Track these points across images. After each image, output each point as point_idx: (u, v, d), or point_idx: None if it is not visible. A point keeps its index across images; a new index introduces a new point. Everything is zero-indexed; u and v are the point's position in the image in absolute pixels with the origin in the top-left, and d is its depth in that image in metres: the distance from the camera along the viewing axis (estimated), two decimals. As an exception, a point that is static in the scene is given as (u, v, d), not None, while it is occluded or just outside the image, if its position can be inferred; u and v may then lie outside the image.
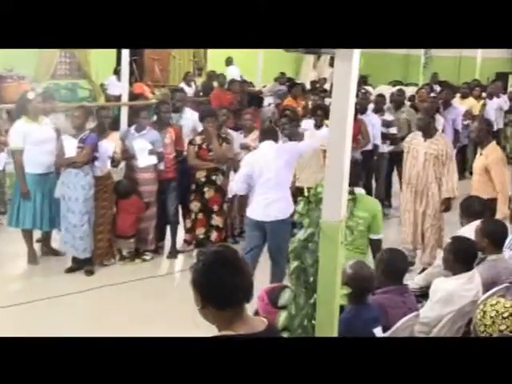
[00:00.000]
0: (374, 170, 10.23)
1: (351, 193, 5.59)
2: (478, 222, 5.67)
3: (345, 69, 3.12)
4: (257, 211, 6.38)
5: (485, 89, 14.44)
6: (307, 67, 21.16)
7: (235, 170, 8.45)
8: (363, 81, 16.85)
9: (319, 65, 21.09)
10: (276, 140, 6.73)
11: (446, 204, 7.49)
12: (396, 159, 10.20)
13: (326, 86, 15.76)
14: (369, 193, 8.67)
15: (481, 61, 18.36)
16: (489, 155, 7.21)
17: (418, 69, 18.30)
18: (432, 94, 13.44)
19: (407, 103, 11.78)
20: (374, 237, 5.85)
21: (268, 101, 14.10)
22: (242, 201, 7.84)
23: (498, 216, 6.84)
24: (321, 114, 9.45)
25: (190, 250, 8.23)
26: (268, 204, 6.33)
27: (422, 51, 17.81)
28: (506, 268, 5.30)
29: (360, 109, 9.63)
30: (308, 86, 15.99)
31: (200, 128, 8.46)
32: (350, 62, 3.09)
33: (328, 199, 3.25)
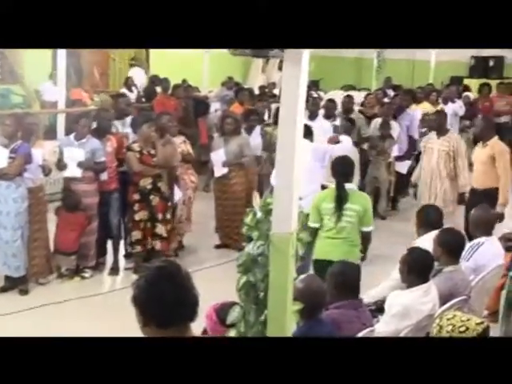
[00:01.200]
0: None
1: (342, 189, 6.18)
2: (435, 232, 5.75)
3: (294, 72, 3.13)
4: None
5: (440, 93, 14.64)
6: (256, 71, 21.21)
7: (176, 178, 8.45)
8: (314, 85, 17.00)
9: (268, 69, 21.15)
10: (311, 140, 7.71)
11: (462, 198, 8.30)
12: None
13: (276, 91, 15.82)
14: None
15: (435, 64, 18.66)
16: (494, 146, 8.08)
17: (370, 73, 18.50)
18: (385, 100, 13.54)
19: (356, 109, 11.90)
20: (365, 229, 6.29)
21: (215, 107, 14.09)
22: None
23: (500, 202, 7.74)
24: (254, 119, 9.58)
25: (132, 268, 8.14)
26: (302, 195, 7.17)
27: (374, 54, 18.00)
28: (463, 280, 5.37)
29: (310, 115, 9.69)
30: (257, 91, 16.03)
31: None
32: (299, 66, 3.10)
33: (278, 210, 3.25)
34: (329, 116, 10.52)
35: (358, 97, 15.32)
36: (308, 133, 7.58)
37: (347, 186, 6.25)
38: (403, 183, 11.47)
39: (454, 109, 13.99)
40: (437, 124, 8.52)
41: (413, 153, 11.77)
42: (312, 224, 6.16)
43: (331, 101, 11.26)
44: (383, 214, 10.77)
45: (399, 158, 11.07)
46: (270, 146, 9.30)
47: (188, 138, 9.27)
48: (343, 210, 6.14)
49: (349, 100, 11.40)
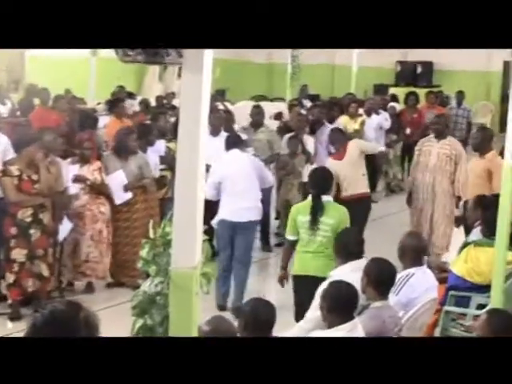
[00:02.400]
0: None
1: (319, 201, 6.69)
2: (360, 262, 5.80)
3: (195, 80, 3.13)
4: (230, 213, 7.95)
5: (362, 104, 14.70)
6: (152, 79, 21.18)
7: (65, 208, 8.29)
8: (220, 96, 17.06)
9: (167, 76, 21.18)
10: (242, 148, 8.47)
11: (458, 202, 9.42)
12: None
13: (176, 102, 15.81)
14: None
15: (357, 70, 18.96)
16: (492, 159, 9.02)
17: (284, 80, 18.63)
18: (301, 111, 13.60)
19: (268, 122, 11.97)
20: None
21: (104, 121, 13.95)
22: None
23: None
24: (153, 134, 9.55)
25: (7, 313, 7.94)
26: (240, 208, 7.99)
27: (288, 59, 18.16)
28: (391, 317, 5.41)
29: (213, 130, 9.58)
30: (153, 102, 15.98)
31: (11, 155, 8.22)
32: (201, 72, 3.10)
33: (178, 241, 3.22)
34: (228, 130, 10.37)
35: (272, 107, 15.47)
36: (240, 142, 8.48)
37: (324, 198, 6.78)
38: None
39: (379, 122, 14.14)
40: (437, 128, 9.55)
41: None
42: (289, 236, 6.94)
43: (227, 112, 11.27)
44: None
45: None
46: (174, 164, 9.16)
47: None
48: (319, 223, 6.64)
49: (258, 111, 11.26)
